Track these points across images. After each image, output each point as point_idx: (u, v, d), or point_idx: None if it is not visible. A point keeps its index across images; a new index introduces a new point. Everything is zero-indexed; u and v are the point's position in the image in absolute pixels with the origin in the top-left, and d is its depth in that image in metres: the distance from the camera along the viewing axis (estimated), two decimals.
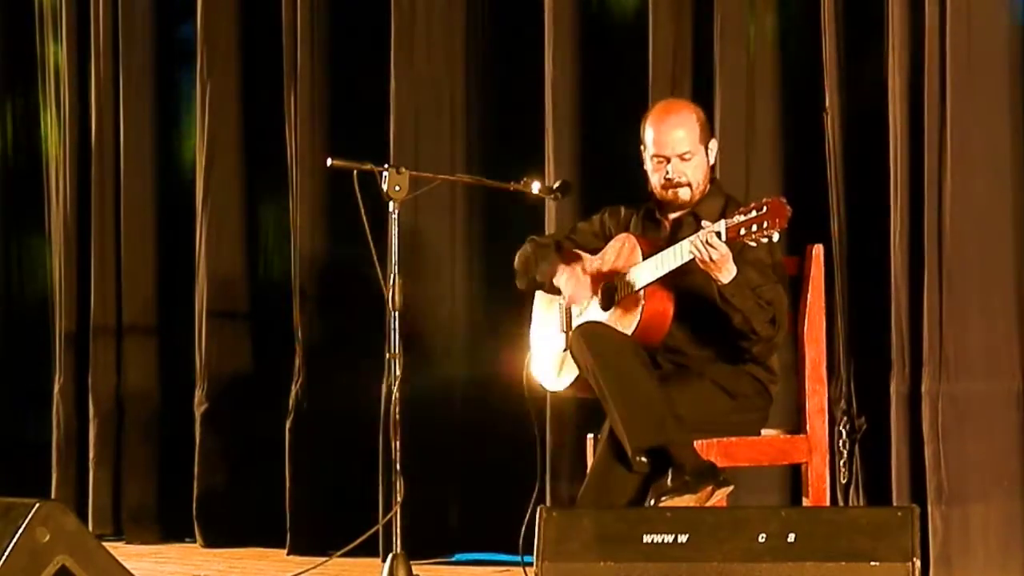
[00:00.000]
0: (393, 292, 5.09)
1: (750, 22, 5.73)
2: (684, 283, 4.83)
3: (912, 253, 5.34)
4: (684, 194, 4.95)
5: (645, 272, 4.84)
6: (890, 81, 5.38)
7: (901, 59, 5.35)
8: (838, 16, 5.49)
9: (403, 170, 5.13)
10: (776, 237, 4.58)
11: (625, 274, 4.92)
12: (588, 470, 4.90)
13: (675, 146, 4.93)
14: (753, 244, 4.62)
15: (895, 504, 5.25)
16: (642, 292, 4.85)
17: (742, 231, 4.59)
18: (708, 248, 4.63)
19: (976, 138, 5.25)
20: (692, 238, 4.68)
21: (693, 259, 4.68)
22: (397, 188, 5.10)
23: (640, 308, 4.84)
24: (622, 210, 5.14)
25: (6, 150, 7.52)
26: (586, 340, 4.80)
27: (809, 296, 4.99)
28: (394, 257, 5.13)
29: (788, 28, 5.76)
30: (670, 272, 4.77)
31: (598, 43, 6.13)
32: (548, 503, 5.73)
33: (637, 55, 5.96)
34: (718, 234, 4.62)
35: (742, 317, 4.76)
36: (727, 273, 4.69)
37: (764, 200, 4.58)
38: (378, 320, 5.30)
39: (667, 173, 4.94)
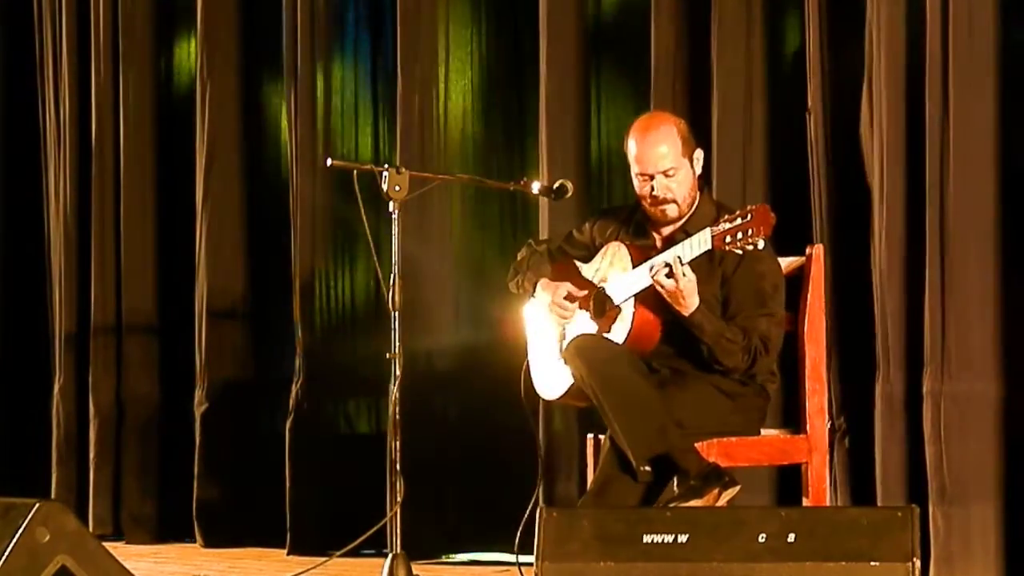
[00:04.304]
0: (393, 292, 5.09)
1: (747, 23, 5.73)
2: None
3: (906, 252, 5.34)
4: (671, 211, 4.91)
5: (634, 281, 4.83)
6: (872, 81, 5.39)
7: (888, 54, 5.35)
8: (821, 16, 5.49)
9: (403, 170, 5.13)
10: (761, 244, 4.59)
11: (615, 282, 4.91)
12: (590, 480, 4.90)
13: (658, 163, 4.87)
14: (739, 251, 4.61)
15: (878, 503, 5.27)
16: (632, 301, 4.85)
17: (727, 239, 4.59)
18: (663, 277, 4.65)
19: (970, 136, 5.25)
20: (650, 264, 4.70)
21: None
22: (397, 188, 5.09)
23: (631, 316, 4.84)
24: (611, 224, 5.10)
25: (6, 149, 7.51)
26: (581, 353, 4.78)
27: (809, 296, 4.99)
28: (394, 257, 5.13)
29: (779, 28, 5.77)
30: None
31: (597, 43, 6.14)
32: (547, 503, 5.73)
33: (636, 56, 5.96)
34: (679, 260, 4.63)
35: (707, 349, 4.77)
36: (688, 306, 4.70)
37: (749, 207, 4.59)
38: (378, 320, 5.30)
39: (653, 190, 4.89)
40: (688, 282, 4.67)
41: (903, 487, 5.34)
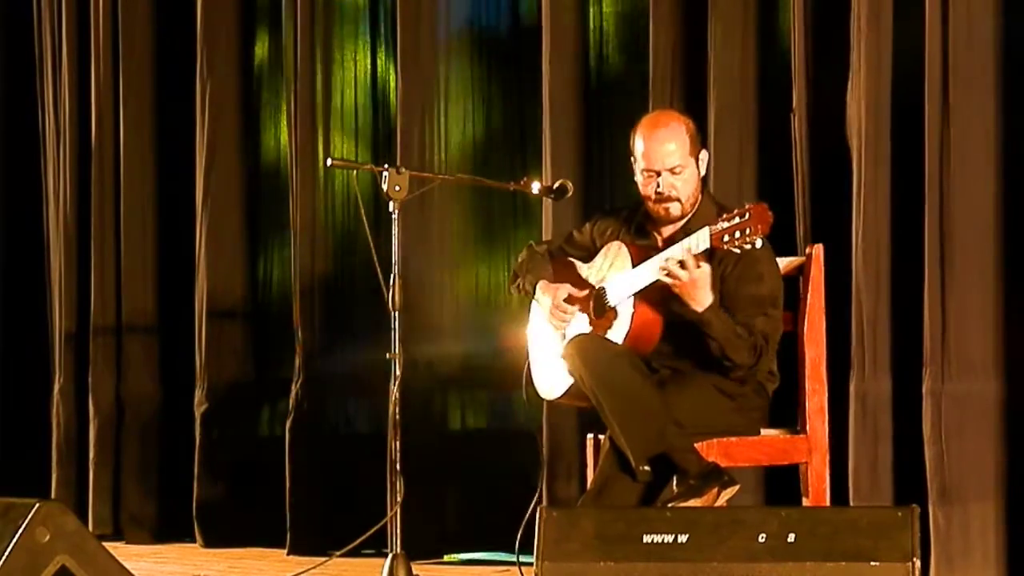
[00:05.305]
0: (393, 292, 5.09)
1: (743, 24, 5.73)
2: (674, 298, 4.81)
3: (892, 251, 5.34)
4: (675, 209, 4.91)
5: (633, 280, 4.83)
6: (854, 80, 5.39)
7: (869, 53, 5.35)
8: (807, 18, 5.49)
9: (403, 170, 5.13)
10: (759, 243, 4.58)
11: (615, 281, 4.90)
12: (590, 480, 4.90)
13: (665, 159, 4.86)
14: (737, 251, 4.61)
15: (851, 502, 5.28)
16: (631, 300, 4.84)
17: (725, 238, 4.59)
18: (677, 269, 4.63)
19: (970, 135, 5.26)
20: (662, 256, 4.68)
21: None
22: (397, 188, 5.10)
23: (630, 316, 4.83)
24: (611, 224, 5.09)
25: (6, 150, 7.52)
26: (580, 353, 4.77)
27: (809, 296, 4.99)
28: (395, 257, 5.13)
29: (776, 29, 5.78)
30: (653, 285, 4.76)
31: (597, 43, 6.14)
32: (547, 503, 5.73)
33: (636, 56, 5.97)
34: (690, 251, 4.62)
35: (718, 345, 4.75)
36: (700, 302, 4.68)
37: (747, 206, 4.58)
38: (378, 320, 5.30)
39: (657, 187, 4.88)
40: (701, 273, 4.65)
41: (887, 488, 5.34)
